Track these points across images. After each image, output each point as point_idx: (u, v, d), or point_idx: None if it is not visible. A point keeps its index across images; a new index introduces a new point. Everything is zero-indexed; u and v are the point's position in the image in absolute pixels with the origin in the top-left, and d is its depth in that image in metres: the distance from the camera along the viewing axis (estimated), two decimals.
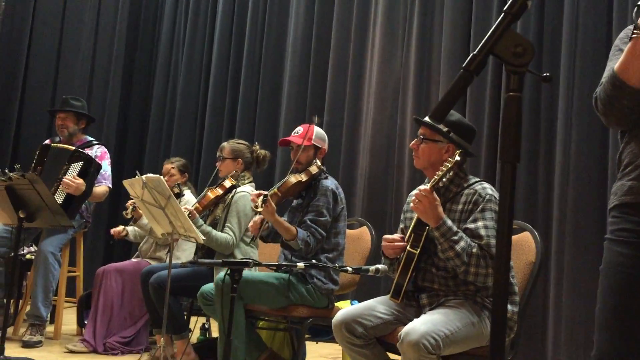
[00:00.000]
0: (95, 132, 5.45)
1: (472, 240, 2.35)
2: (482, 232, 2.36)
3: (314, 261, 2.69)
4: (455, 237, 2.32)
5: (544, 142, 4.08)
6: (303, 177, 3.18)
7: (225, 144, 3.84)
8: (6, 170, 3.65)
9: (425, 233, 2.44)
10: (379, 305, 2.52)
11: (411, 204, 2.43)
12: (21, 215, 3.51)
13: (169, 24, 6.89)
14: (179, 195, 3.83)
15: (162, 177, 3.17)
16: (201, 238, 3.21)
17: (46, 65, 6.20)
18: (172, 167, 4.33)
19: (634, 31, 1.54)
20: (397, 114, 4.98)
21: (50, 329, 4.25)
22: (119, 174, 5.49)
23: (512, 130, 1.15)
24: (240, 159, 3.76)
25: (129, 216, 4.03)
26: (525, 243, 2.65)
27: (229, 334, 2.44)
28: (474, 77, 1.17)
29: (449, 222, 2.36)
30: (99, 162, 4.32)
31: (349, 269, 2.44)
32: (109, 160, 4.53)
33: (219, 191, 3.56)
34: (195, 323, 3.74)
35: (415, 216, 2.46)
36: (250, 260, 2.43)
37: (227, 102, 6.26)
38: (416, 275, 2.51)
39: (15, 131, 6.01)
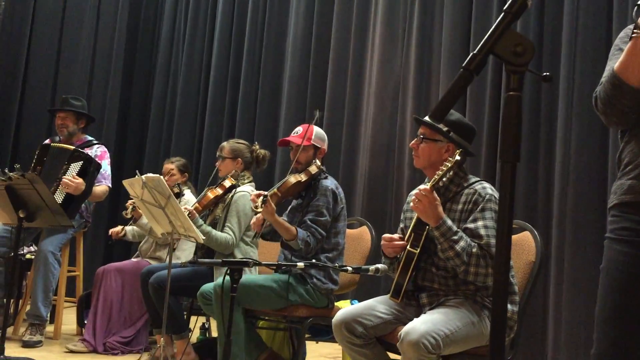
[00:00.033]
0: (95, 132, 5.45)
1: (472, 240, 2.35)
2: (482, 231, 2.36)
3: (313, 261, 2.68)
4: (455, 237, 2.32)
5: (544, 141, 4.08)
6: (303, 177, 3.18)
7: (225, 143, 3.84)
8: (6, 170, 3.65)
9: (425, 233, 2.44)
10: (379, 305, 2.52)
11: (411, 204, 2.43)
12: (21, 215, 3.51)
13: (169, 24, 6.88)
14: (179, 195, 3.83)
15: (162, 176, 3.17)
16: (201, 238, 3.21)
17: (46, 65, 6.21)
18: (172, 167, 4.33)
19: (634, 31, 1.54)
20: (397, 114, 4.98)
21: (50, 328, 4.25)
22: (118, 174, 5.49)
23: (512, 130, 1.15)
24: (240, 159, 3.76)
25: (129, 216, 4.03)
26: (525, 243, 2.65)
27: (229, 334, 2.44)
28: (474, 77, 1.17)
29: (449, 222, 2.36)
30: (99, 161, 4.32)
31: (349, 268, 2.44)
32: (109, 159, 4.53)
33: (219, 191, 3.56)
34: (195, 323, 3.74)
35: (415, 216, 2.46)
36: (250, 260, 2.43)
37: (227, 102, 6.26)
38: (416, 275, 2.51)
39: (15, 131, 6.01)
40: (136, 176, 3.21)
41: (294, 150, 3.23)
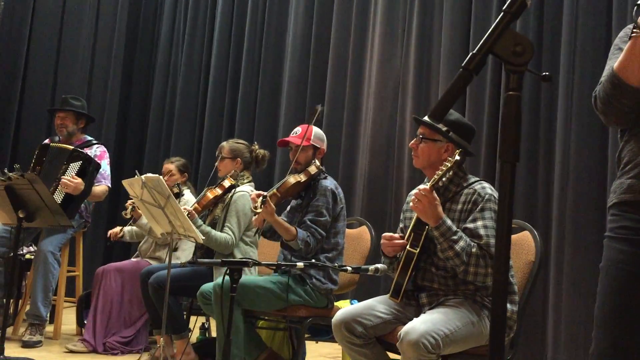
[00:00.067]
0: (95, 132, 5.45)
1: (471, 239, 2.36)
2: (482, 231, 2.36)
3: (313, 261, 2.68)
4: (455, 237, 2.32)
5: (544, 141, 4.08)
6: (302, 178, 3.18)
7: (224, 143, 3.84)
8: (6, 170, 3.65)
9: (424, 232, 2.44)
10: (378, 305, 2.52)
11: (411, 204, 2.43)
12: (21, 215, 3.51)
13: (169, 24, 6.88)
14: (179, 195, 3.83)
15: (161, 176, 3.17)
16: (200, 238, 3.21)
17: (46, 65, 6.20)
18: (172, 167, 4.33)
19: (634, 30, 1.55)
20: (397, 114, 4.98)
21: (49, 328, 4.25)
22: (118, 174, 5.49)
23: (511, 130, 1.15)
24: (239, 159, 3.76)
25: (128, 216, 4.03)
26: (524, 242, 2.65)
27: (229, 334, 2.44)
28: (474, 77, 1.17)
29: (449, 222, 2.36)
30: (98, 161, 4.32)
31: (349, 268, 2.44)
32: (108, 159, 4.53)
33: (218, 191, 3.56)
34: (195, 323, 3.74)
35: (415, 216, 2.46)
36: (250, 260, 2.43)
37: (226, 102, 6.26)
38: (416, 275, 2.51)
39: (14, 131, 6.00)
40: (136, 176, 3.21)
41: (294, 151, 3.23)
